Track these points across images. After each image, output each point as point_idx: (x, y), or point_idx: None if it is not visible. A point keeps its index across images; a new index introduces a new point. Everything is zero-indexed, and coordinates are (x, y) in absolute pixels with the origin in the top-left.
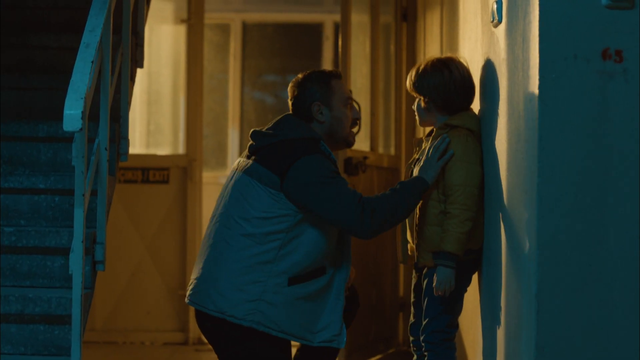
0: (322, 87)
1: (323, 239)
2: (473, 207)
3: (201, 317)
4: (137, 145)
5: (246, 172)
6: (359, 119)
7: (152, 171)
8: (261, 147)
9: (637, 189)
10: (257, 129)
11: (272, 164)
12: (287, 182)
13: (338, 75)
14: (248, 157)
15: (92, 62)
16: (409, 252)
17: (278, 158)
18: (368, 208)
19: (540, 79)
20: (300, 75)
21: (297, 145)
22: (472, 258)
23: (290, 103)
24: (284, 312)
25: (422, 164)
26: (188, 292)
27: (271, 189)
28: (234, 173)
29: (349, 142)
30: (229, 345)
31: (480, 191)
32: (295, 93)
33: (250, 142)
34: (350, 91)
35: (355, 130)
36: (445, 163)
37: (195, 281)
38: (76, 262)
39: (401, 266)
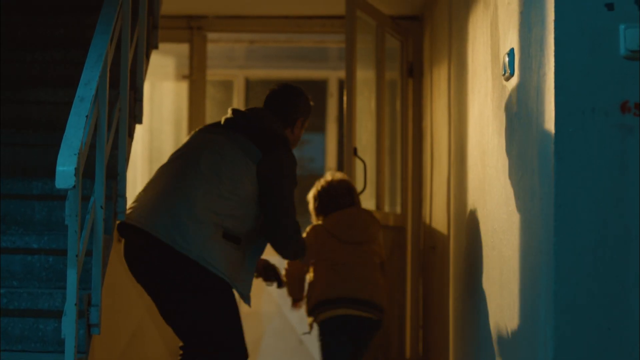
0: (308, 109)
1: (251, 220)
2: None
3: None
4: None
5: (234, 141)
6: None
7: None
8: (249, 126)
9: None
10: (237, 109)
11: (260, 143)
12: (265, 160)
13: None
14: (224, 128)
15: (87, 116)
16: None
17: (266, 141)
18: (297, 227)
19: (556, 134)
20: (297, 87)
21: (284, 140)
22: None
23: (278, 102)
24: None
25: None
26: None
27: (250, 160)
28: (214, 135)
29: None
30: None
31: None
32: (292, 100)
33: (229, 116)
34: None
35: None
36: None
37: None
38: (69, 326)
39: (408, 326)
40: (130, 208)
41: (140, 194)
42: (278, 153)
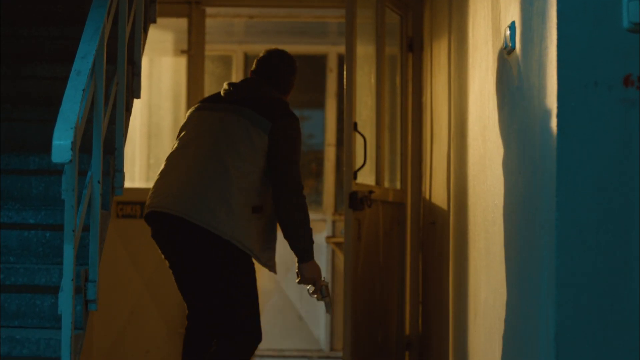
0: (295, 67)
1: (265, 183)
2: None
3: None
4: (136, 179)
5: (240, 114)
6: None
7: None
8: (249, 97)
9: None
10: (233, 82)
11: (265, 112)
12: (275, 128)
13: None
14: (226, 103)
15: (84, 90)
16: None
17: (270, 109)
18: (301, 188)
19: (558, 108)
20: (280, 50)
21: (285, 104)
22: None
23: (268, 68)
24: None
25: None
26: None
27: (260, 130)
28: (220, 113)
29: None
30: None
31: None
32: (290, 68)
33: (226, 90)
34: None
35: None
36: None
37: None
38: (66, 302)
39: (407, 302)
40: (152, 196)
41: (159, 182)
42: (287, 119)
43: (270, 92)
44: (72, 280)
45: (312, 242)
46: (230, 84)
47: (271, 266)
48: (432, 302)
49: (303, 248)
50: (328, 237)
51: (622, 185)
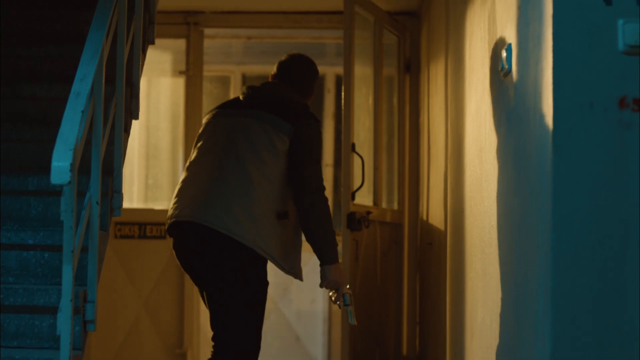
0: (317, 72)
1: (284, 187)
2: None
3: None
4: (135, 199)
5: (260, 119)
6: None
7: (149, 226)
8: (268, 101)
9: None
10: (252, 85)
11: (286, 115)
12: (297, 131)
13: None
14: (245, 108)
15: (83, 111)
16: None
17: (291, 112)
18: (323, 189)
19: (554, 130)
20: (303, 55)
21: (306, 107)
22: None
23: (290, 73)
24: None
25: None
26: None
27: (282, 134)
28: (240, 118)
29: None
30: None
31: None
32: (311, 72)
33: (246, 93)
34: None
35: None
36: None
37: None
38: (64, 322)
39: (405, 323)
40: (174, 207)
41: (179, 192)
42: (308, 121)
43: (291, 95)
44: (71, 301)
45: (335, 243)
46: (249, 87)
47: (296, 273)
48: (430, 322)
49: (326, 249)
50: None
51: (618, 207)
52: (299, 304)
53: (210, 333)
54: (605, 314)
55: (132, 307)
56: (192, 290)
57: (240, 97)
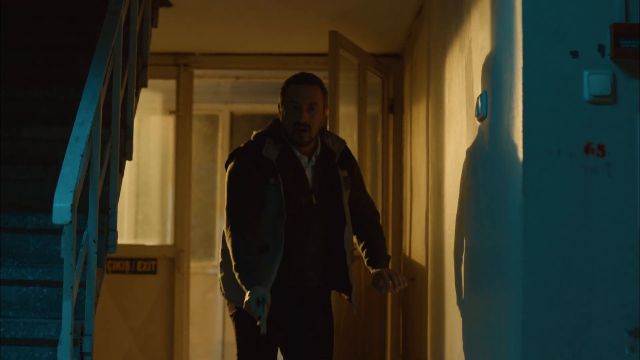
0: (282, 90)
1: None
2: None
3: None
4: (125, 235)
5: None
6: (298, 122)
7: (139, 262)
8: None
9: (622, 282)
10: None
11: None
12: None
13: (297, 81)
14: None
15: (82, 155)
16: None
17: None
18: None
19: (524, 174)
20: (313, 75)
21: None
22: None
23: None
24: None
25: None
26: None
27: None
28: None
29: (293, 140)
30: None
31: None
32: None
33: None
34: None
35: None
36: None
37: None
38: (64, 354)
39: (389, 357)
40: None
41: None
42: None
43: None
44: (70, 334)
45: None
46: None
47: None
48: (412, 356)
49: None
50: None
51: (584, 246)
52: None
53: None
54: (571, 346)
55: (124, 340)
56: (182, 324)
57: (264, 152)
